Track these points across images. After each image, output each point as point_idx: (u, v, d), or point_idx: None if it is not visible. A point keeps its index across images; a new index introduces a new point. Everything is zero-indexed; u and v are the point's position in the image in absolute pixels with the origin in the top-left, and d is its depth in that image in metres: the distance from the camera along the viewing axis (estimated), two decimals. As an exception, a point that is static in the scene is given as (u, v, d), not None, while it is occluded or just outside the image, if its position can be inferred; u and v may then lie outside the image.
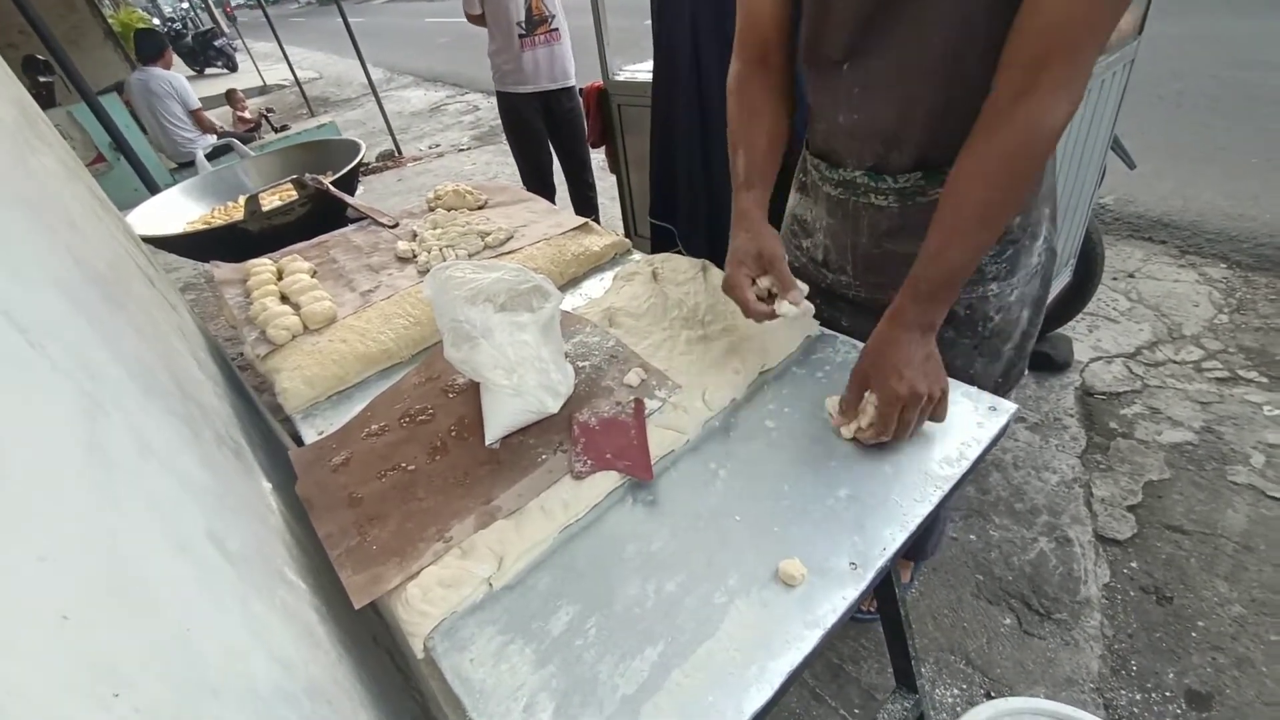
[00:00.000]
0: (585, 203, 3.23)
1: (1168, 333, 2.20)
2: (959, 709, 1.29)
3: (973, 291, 0.88)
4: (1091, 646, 1.36)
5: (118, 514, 0.34)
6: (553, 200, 3.52)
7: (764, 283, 0.83)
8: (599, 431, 0.79)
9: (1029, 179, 0.68)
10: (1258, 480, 1.63)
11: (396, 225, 1.41)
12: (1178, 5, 1.46)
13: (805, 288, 0.82)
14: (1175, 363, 2.07)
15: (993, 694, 1.31)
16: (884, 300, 0.79)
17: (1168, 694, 1.26)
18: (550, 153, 3.10)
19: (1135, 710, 1.25)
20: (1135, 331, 2.22)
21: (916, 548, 1.41)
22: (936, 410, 0.74)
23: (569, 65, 2.78)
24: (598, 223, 1.35)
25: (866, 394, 0.73)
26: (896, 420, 0.71)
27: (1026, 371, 2.08)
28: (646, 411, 0.82)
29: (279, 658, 0.45)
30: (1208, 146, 3.20)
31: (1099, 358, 2.13)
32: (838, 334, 0.95)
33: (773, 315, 0.81)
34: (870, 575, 0.61)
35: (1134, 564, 1.50)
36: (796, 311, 0.80)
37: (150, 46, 4.30)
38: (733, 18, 0.88)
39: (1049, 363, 2.09)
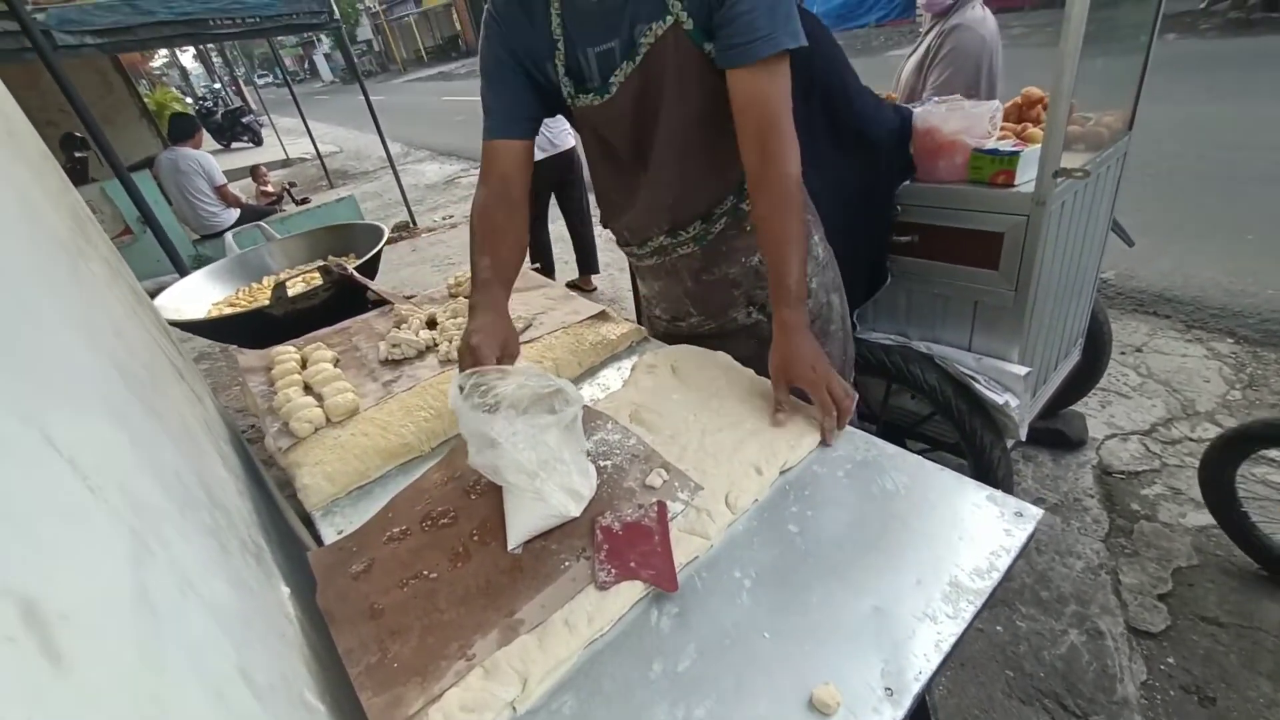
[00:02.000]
0: (586, 256, 3.79)
1: (1181, 409, 2.19)
2: (997, 824, 1.21)
3: None
4: (1133, 753, 1.28)
5: (164, 676, 0.34)
6: (552, 275, 3.79)
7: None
8: (622, 537, 0.78)
9: (798, 208, 0.96)
10: (1290, 567, 1.58)
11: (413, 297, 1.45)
12: (1159, 91, 1.56)
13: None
14: (1193, 440, 2.05)
15: (1032, 807, 1.23)
16: (727, 324, 1.23)
17: (1220, 808, 1.18)
18: (546, 226, 3.62)
19: (1187, 828, 1.17)
20: (1149, 407, 2.22)
21: None
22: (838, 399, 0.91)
23: (564, 126, 3.29)
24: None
25: (787, 391, 0.94)
26: (827, 396, 0.90)
27: (1041, 449, 2.07)
28: (669, 515, 0.81)
29: (304, 808, 0.44)
30: (1202, 223, 3.28)
31: (1114, 434, 2.12)
32: (856, 430, 0.95)
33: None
34: (908, 702, 0.59)
35: (1171, 659, 1.44)
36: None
37: (183, 129, 4.55)
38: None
39: (1064, 440, 2.07)
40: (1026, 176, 1.38)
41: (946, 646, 0.64)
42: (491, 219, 1.06)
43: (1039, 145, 1.34)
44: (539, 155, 3.15)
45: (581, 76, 1.04)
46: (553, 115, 1.13)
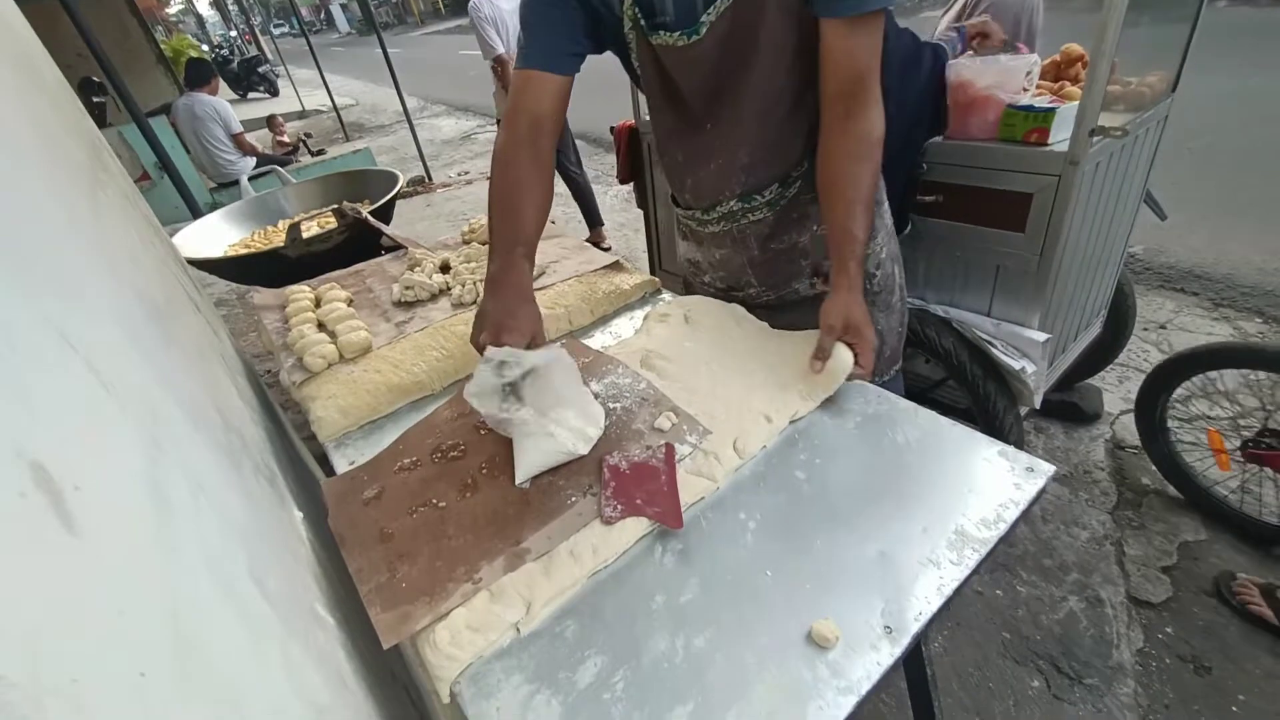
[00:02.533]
0: (589, 207, 3.85)
1: (1201, 388, 2.15)
2: (985, 776, 1.24)
3: None
4: (1125, 716, 1.30)
5: (178, 563, 0.35)
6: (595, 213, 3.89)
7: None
8: (629, 476, 0.79)
9: (875, 167, 0.92)
10: (1299, 546, 1.57)
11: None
12: (1205, 62, 1.49)
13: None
14: (1209, 418, 2.01)
15: (1020, 762, 1.26)
16: (788, 295, 1.14)
17: (1208, 772, 1.20)
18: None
19: (1173, 788, 1.19)
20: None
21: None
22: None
23: None
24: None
25: (838, 345, 0.89)
26: (871, 361, 0.89)
27: (1053, 421, 2.05)
28: (677, 457, 0.81)
29: (314, 704, 0.45)
30: (1239, 201, 3.16)
31: (1130, 410, 2.08)
32: (869, 384, 0.94)
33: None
34: (906, 641, 0.60)
35: (1169, 629, 1.44)
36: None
37: (199, 74, 4.50)
38: None
39: (1078, 413, 2.05)
40: (1061, 135, 1.33)
41: (948, 590, 0.64)
42: (515, 172, 0.95)
43: (1076, 103, 1.29)
44: None
45: (652, 9, 0.90)
46: (600, 52, 0.99)
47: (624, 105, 2.30)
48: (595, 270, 1.29)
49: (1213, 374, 1.62)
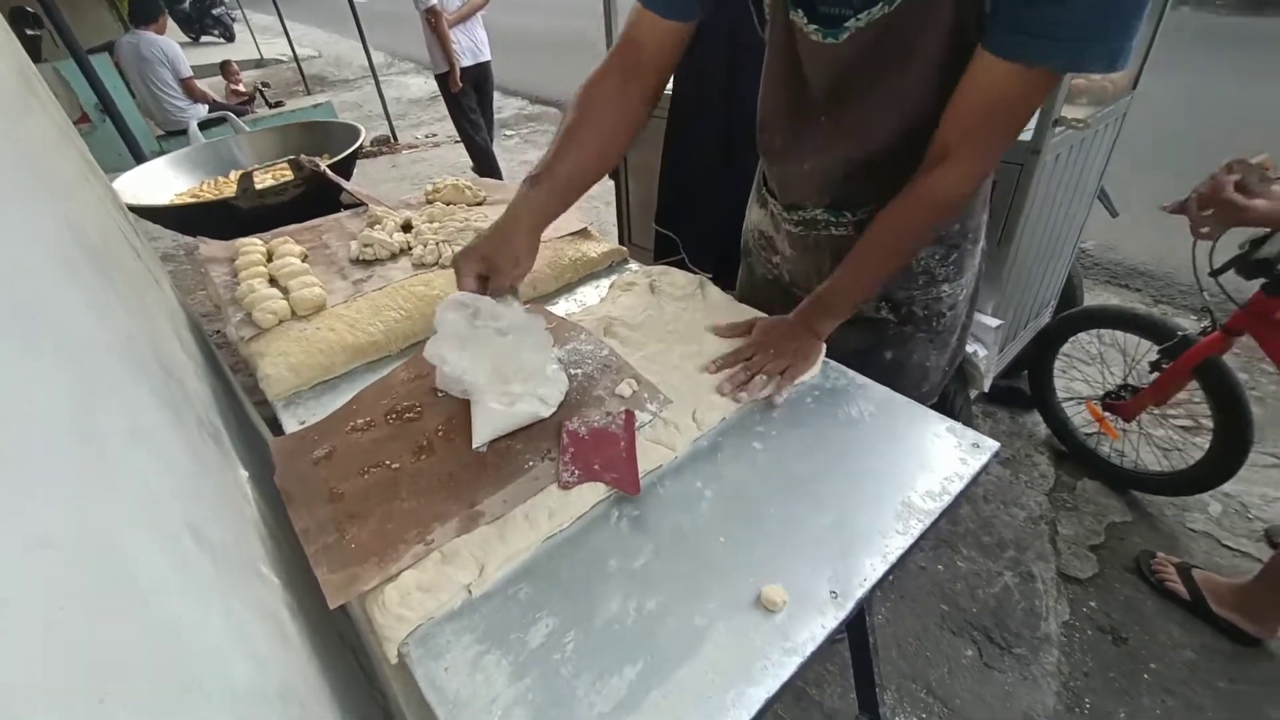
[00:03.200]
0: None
1: (1138, 380, 2.26)
2: (917, 737, 1.31)
3: (928, 293, 0.98)
4: (1048, 683, 1.39)
5: (110, 501, 0.33)
6: (499, 176, 3.93)
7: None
8: (588, 441, 0.79)
9: (934, 230, 0.85)
10: (1214, 529, 1.68)
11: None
12: (1165, 62, 1.55)
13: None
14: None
15: (951, 724, 1.33)
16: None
17: (1119, 733, 1.29)
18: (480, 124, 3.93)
19: (1087, 748, 1.28)
20: (1106, 375, 2.28)
21: None
22: (785, 373, 0.86)
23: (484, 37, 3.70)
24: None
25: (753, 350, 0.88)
26: (754, 356, 0.87)
27: (1000, 406, 2.14)
28: (636, 424, 0.82)
29: (255, 656, 0.44)
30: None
31: (1070, 398, 2.18)
32: (829, 360, 0.96)
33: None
34: (850, 605, 0.62)
35: (1093, 603, 1.54)
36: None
37: (146, 10, 4.19)
38: None
39: (1022, 399, 2.14)
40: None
41: (892, 558, 0.66)
42: (598, 104, 0.86)
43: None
44: (466, 61, 3.56)
45: None
46: (721, 6, 0.87)
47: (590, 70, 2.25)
48: (562, 237, 1.27)
49: (1089, 335, 1.91)
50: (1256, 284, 1.35)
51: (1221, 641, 1.42)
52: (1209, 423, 1.59)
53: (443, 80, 3.61)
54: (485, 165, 3.94)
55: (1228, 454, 1.53)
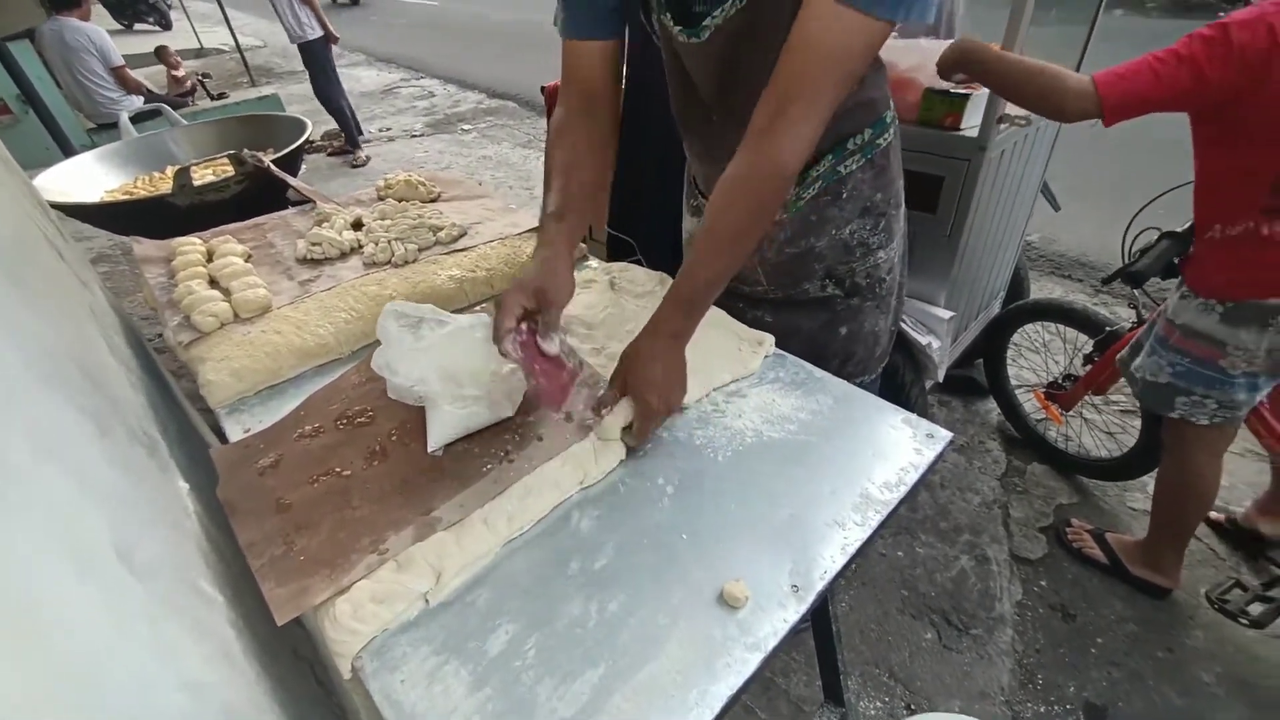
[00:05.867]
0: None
1: (1078, 370, 2.36)
2: (880, 720, 1.34)
3: (866, 262, 1.02)
4: (1003, 661, 1.44)
5: (8, 526, 0.31)
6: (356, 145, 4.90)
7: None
8: (545, 359, 0.80)
9: (773, 206, 0.77)
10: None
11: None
12: (1102, 62, 1.61)
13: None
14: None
15: (913, 707, 1.36)
16: (797, 295, 1.05)
17: (1069, 706, 1.35)
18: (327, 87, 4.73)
19: (1039, 722, 1.33)
20: (1052, 363, 2.38)
21: None
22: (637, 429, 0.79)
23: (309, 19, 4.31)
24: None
25: (624, 399, 0.78)
26: (647, 428, 0.78)
27: (954, 396, 2.20)
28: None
29: (189, 683, 0.42)
30: (1125, 192, 3.46)
31: (1020, 386, 2.26)
32: (787, 354, 0.96)
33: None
34: (811, 598, 0.62)
35: (1044, 582, 1.60)
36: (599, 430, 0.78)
37: (66, -7, 3.95)
38: None
39: (975, 387, 2.21)
40: (972, 121, 1.39)
41: (851, 549, 0.67)
42: (570, 146, 0.89)
43: (987, 91, 1.35)
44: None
45: None
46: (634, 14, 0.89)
47: (554, 65, 2.22)
48: (520, 234, 1.25)
49: (1036, 325, 2.01)
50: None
51: (1161, 613, 1.50)
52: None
53: (309, 48, 4.17)
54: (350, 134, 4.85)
55: (1154, 442, 1.61)
